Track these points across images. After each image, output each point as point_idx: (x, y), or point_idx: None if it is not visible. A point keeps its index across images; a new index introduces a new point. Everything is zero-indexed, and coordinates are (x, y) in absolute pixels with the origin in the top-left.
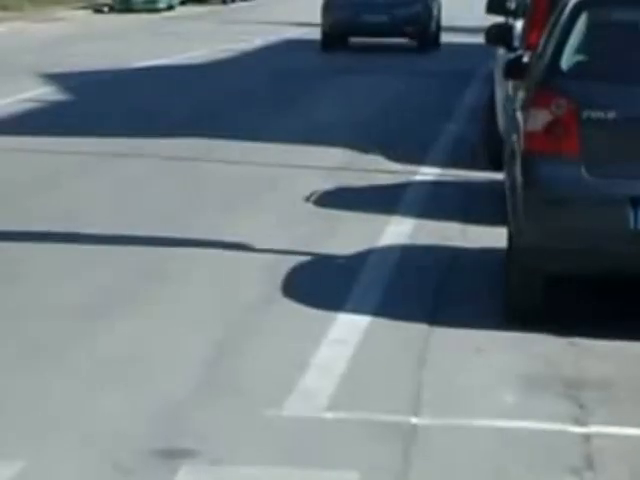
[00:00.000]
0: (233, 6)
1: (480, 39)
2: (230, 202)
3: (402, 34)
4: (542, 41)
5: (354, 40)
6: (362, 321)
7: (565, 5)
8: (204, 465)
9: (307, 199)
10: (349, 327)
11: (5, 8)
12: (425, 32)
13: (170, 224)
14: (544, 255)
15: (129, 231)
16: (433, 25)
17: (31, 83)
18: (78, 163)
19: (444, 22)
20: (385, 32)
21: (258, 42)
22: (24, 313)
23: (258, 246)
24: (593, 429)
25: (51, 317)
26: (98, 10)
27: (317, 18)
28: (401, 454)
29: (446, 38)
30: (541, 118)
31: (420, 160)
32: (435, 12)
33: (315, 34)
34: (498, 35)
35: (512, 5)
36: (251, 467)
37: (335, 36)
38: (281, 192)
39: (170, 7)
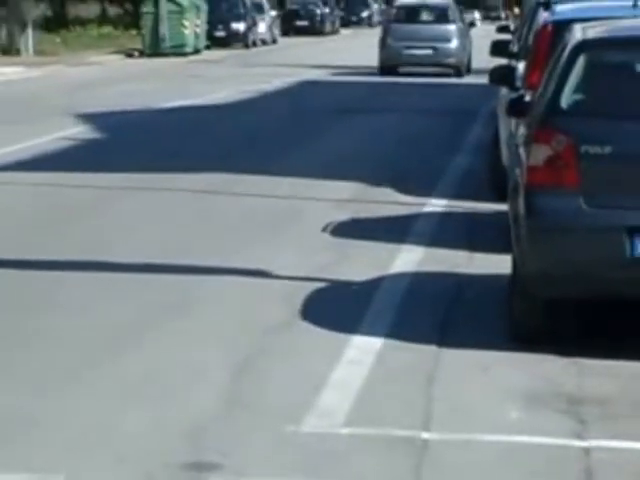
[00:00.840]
0: (254, 50)
1: (484, 80)
2: (249, 233)
3: (443, 65)
4: (543, 81)
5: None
6: (375, 343)
7: (564, 47)
8: (229, 477)
9: (323, 230)
10: (363, 348)
11: (42, 53)
12: (461, 63)
13: (193, 253)
14: (546, 281)
15: (158, 260)
16: (466, 57)
17: (67, 122)
18: (109, 196)
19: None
20: (429, 63)
21: (277, 83)
22: (56, 337)
23: (278, 273)
24: (593, 443)
25: (81, 341)
26: (129, 54)
27: (329, 61)
28: (413, 468)
29: (451, 79)
30: (542, 153)
31: (429, 192)
32: (468, 47)
33: (329, 76)
34: (501, 76)
35: (514, 48)
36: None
37: (389, 66)
38: (298, 223)
39: (196, 51)
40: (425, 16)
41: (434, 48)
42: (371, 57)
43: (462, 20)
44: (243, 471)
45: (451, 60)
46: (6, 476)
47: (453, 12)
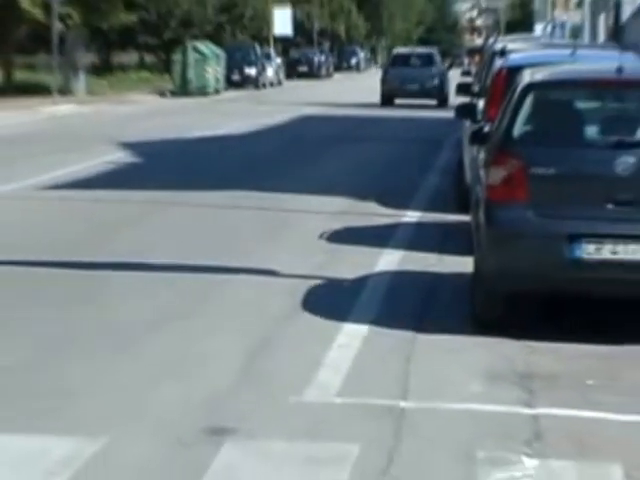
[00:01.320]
0: (263, 91)
1: (451, 114)
2: (259, 239)
3: (429, 97)
4: (499, 115)
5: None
6: (362, 329)
7: (516, 88)
8: (242, 439)
9: (320, 237)
10: (352, 334)
11: (92, 93)
12: (442, 96)
13: (214, 256)
14: (501, 278)
15: (185, 261)
16: (446, 92)
17: (112, 149)
18: (146, 209)
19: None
20: (418, 96)
21: (282, 117)
22: (101, 322)
23: (283, 272)
24: (540, 411)
25: (125, 325)
26: (162, 94)
27: (325, 99)
28: (393, 431)
29: (423, 114)
30: (499, 174)
31: (406, 206)
32: (447, 84)
33: (324, 111)
34: (465, 111)
35: (475, 88)
36: (279, 440)
37: (388, 97)
38: (300, 231)
39: (217, 91)
40: (414, 60)
41: (421, 84)
42: (358, 96)
43: (442, 64)
44: (255, 434)
45: (434, 93)
46: (56, 438)
47: (435, 58)
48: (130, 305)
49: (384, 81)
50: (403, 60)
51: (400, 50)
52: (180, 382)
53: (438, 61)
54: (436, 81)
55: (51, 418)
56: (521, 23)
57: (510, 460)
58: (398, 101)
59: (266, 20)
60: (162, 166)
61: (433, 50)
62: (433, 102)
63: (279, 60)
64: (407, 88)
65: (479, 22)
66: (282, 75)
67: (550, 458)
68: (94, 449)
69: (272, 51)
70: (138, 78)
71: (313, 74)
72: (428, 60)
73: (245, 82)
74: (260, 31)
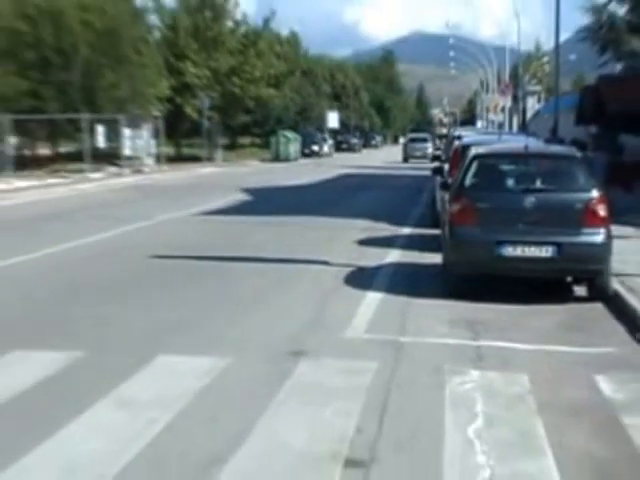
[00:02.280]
0: (322, 159)
1: (428, 172)
2: (317, 244)
3: (426, 159)
4: (456, 174)
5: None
6: (378, 296)
7: (466, 157)
8: (310, 359)
9: (353, 242)
10: (372, 298)
11: (225, 160)
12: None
13: (293, 253)
14: (458, 266)
15: (277, 255)
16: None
17: (235, 193)
18: (257, 226)
19: (415, 167)
20: (420, 158)
21: (332, 174)
22: (228, 291)
23: (332, 263)
24: (481, 343)
25: (240, 293)
26: (264, 161)
27: (357, 163)
28: (395, 354)
29: (411, 172)
30: (456, 207)
31: (402, 224)
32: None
33: (356, 171)
34: (437, 170)
35: (443, 157)
36: (330, 359)
37: (405, 158)
38: (342, 239)
39: (295, 159)
40: (419, 139)
41: (422, 150)
42: (376, 161)
43: (433, 141)
44: (317, 355)
45: (429, 155)
46: (204, 358)
47: (428, 139)
48: (247, 281)
49: (404, 150)
50: (412, 140)
51: (411, 135)
52: (272, 325)
53: (430, 140)
54: (429, 149)
55: (201, 347)
56: (469, 120)
57: (463, 372)
58: (411, 161)
59: (323, 119)
60: (265, 202)
61: (427, 135)
62: (427, 161)
63: (331, 141)
64: (415, 154)
65: (444, 119)
66: (332, 150)
67: (486, 370)
68: (224, 364)
69: (327, 136)
70: (250, 152)
71: (350, 149)
72: (425, 140)
73: (311, 154)
74: (321, 124)
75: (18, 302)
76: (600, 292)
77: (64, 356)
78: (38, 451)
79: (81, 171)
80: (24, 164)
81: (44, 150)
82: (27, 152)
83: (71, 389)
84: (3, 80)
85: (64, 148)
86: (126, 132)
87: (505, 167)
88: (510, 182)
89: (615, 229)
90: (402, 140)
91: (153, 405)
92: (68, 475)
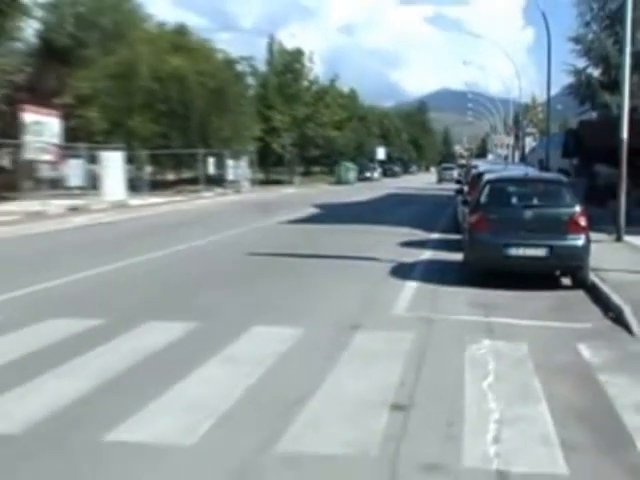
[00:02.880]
0: (374, 182)
1: (451, 193)
2: (370, 245)
3: (453, 181)
4: (473, 194)
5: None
6: (414, 284)
7: (481, 181)
8: (365, 331)
9: (397, 244)
10: (410, 286)
11: (302, 184)
12: (459, 181)
13: (352, 252)
14: (475, 263)
15: (341, 253)
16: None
17: (309, 207)
18: (327, 231)
19: (442, 188)
20: (450, 181)
21: (381, 193)
22: (303, 283)
23: (380, 259)
24: (491, 319)
25: (313, 283)
26: (330, 184)
27: (399, 185)
28: (427, 327)
29: (441, 192)
30: (473, 218)
31: (432, 231)
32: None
33: (398, 191)
34: (459, 191)
35: (463, 181)
36: (381, 331)
37: (440, 180)
38: (388, 242)
39: (353, 183)
40: (448, 168)
41: (450, 175)
42: (413, 184)
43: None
44: (370, 328)
45: (455, 178)
46: (285, 328)
47: (455, 167)
48: (319, 272)
49: (439, 174)
50: (444, 168)
51: (444, 165)
52: (336, 305)
53: (455, 168)
54: (455, 175)
55: (284, 320)
56: (482, 154)
57: (478, 340)
58: (441, 183)
59: (374, 152)
60: (332, 214)
61: (453, 165)
62: (452, 184)
63: (379, 169)
64: (445, 177)
65: (464, 153)
66: (380, 176)
67: (495, 340)
68: (301, 333)
69: (377, 165)
70: (320, 177)
71: (393, 175)
72: (452, 168)
73: (365, 179)
74: (372, 157)
75: (154, 285)
76: (581, 282)
77: (185, 326)
78: (168, 394)
79: (197, 191)
80: (156, 186)
81: (171, 176)
82: (159, 177)
83: (190, 350)
84: (142, 125)
85: (185, 174)
86: (229, 162)
87: (510, 189)
88: (514, 200)
89: (593, 235)
90: (434, 169)
91: (249, 362)
92: (190, 410)
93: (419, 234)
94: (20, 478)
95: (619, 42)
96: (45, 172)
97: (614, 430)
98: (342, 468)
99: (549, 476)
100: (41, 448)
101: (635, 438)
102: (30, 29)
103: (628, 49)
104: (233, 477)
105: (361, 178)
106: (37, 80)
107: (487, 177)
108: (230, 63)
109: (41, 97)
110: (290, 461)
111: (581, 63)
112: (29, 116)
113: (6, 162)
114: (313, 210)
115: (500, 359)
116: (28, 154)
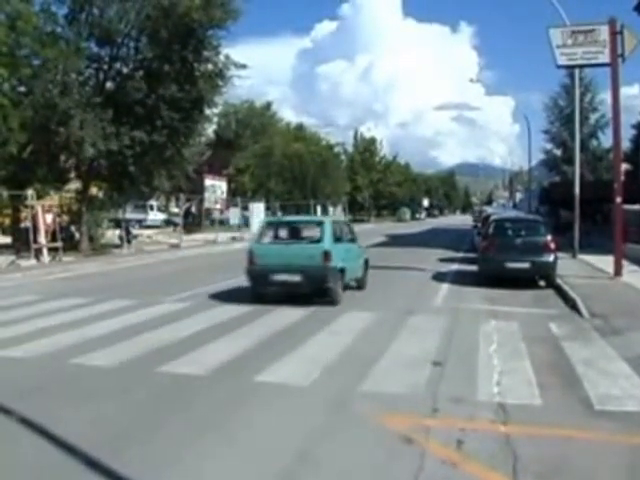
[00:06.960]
0: (421, 221)
1: (469, 227)
2: (419, 260)
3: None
4: (484, 228)
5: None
6: (447, 286)
7: (488, 220)
8: (415, 315)
9: (436, 260)
10: (444, 288)
11: (376, 221)
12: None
13: (405, 264)
14: (484, 272)
15: (398, 264)
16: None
17: (381, 236)
18: (391, 252)
19: (465, 223)
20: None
21: (427, 227)
22: (377, 283)
23: (426, 269)
24: (496, 308)
25: (382, 285)
26: (393, 221)
27: (437, 224)
28: (455, 313)
29: (464, 227)
30: (484, 244)
31: (459, 250)
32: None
33: (436, 226)
34: (475, 226)
35: (478, 220)
36: (424, 315)
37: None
38: (431, 258)
39: (407, 220)
40: (475, 212)
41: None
42: (446, 222)
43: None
44: (419, 313)
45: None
46: (359, 313)
47: (479, 209)
48: (388, 277)
49: (473, 215)
50: (474, 212)
51: (475, 208)
52: (397, 298)
53: (477, 211)
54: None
55: (365, 307)
56: (489, 202)
57: (487, 321)
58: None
59: (421, 201)
60: (397, 241)
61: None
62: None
63: (425, 212)
64: (475, 210)
65: (477, 202)
66: (425, 216)
67: (498, 320)
68: (375, 316)
69: (423, 210)
70: (388, 217)
71: (433, 216)
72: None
73: (415, 218)
74: (420, 203)
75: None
76: (551, 284)
77: (306, 309)
78: (295, 354)
79: None
80: None
81: None
82: None
83: (308, 326)
84: (276, 186)
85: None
86: (330, 209)
87: (507, 224)
88: (509, 232)
89: (559, 254)
90: (459, 212)
91: (345, 333)
92: (307, 363)
93: (450, 253)
94: (203, 398)
95: (572, 133)
96: (217, 215)
97: (570, 376)
98: (402, 400)
99: (530, 405)
100: (217, 383)
101: (582, 380)
102: (210, 129)
103: (577, 137)
104: (333, 405)
105: (413, 218)
106: (213, 159)
107: (493, 217)
108: (331, 146)
109: (215, 169)
110: (370, 396)
111: (549, 146)
112: (208, 181)
113: (194, 209)
114: (384, 238)
115: (500, 333)
116: (207, 204)
